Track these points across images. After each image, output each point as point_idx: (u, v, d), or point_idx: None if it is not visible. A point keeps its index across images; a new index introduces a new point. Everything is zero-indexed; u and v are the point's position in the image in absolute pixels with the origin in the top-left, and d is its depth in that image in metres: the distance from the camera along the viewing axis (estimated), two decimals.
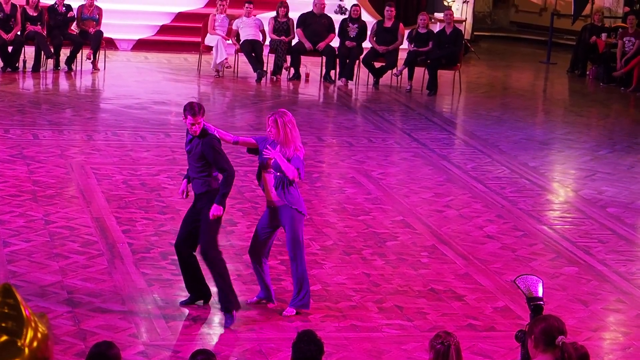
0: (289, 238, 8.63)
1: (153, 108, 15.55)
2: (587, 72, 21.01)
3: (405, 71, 18.50)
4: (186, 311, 8.68)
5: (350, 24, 18.70)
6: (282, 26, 18.60)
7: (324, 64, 18.66)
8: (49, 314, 7.82)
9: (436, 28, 20.02)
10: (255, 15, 18.77)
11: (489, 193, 12.54)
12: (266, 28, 18.65)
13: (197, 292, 8.80)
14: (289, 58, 18.65)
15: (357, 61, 18.53)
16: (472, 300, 9.29)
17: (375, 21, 19.49)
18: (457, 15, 21.59)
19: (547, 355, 5.21)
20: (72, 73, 17.82)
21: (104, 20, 18.27)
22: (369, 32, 18.71)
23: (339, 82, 18.53)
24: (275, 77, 18.50)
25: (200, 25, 19.01)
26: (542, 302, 5.77)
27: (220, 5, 18.60)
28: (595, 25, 21.11)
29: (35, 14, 17.68)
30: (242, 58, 18.43)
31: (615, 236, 11.35)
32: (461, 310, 9.08)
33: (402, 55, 18.78)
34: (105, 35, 18.25)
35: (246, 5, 18.54)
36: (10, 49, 17.52)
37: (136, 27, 20.38)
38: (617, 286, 9.93)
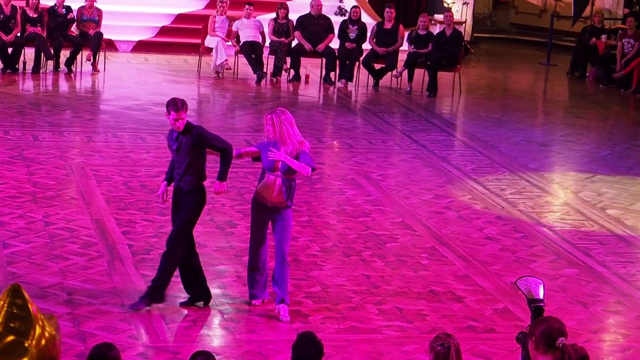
0: (286, 237, 8.63)
1: (153, 109, 15.54)
2: (587, 74, 21.02)
3: (405, 73, 18.51)
4: (186, 312, 8.68)
5: (350, 26, 18.70)
6: (281, 28, 18.61)
7: (323, 65, 18.66)
8: None
9: (436, 30, 20.03)
10: (255, 17, 18.78)
11: (488, 195, 12.55)
12: (266, 30, 18.66)
13: (197, 291, 8.77)
14: (288, 60, 18.66)
15: (357, 63, 18.53)
16: (472, 302, 9.29)
17: (375, 23, 19.50)
18: (457, 16, 21.60)
19: (548, 356, 5.20)
20: (72, 74, 17.82)
21: (103, 22, 18.28)
22: (368, 34, 18.71)
23: (338, 84, 18.54)
24: (275, 79, 18.50)
25: (200, 26, 19.02)
26: (542, 304, 5.76)
27: (220, 6, 18.61)
28: (595, 26, 21.12)
29: (35, 16, 17.69)
30: (242, 59, 18.44)
31: (615, 238, 11.35)
32: (461, 311, 9.08)
33: (402, 57, 18.79)
34: (105, 36, 18.25)
35: (246, 6, 18.56)
36: (10, 50, 17.53)
37: (136, 28, 20.39)
38: (616, 288, 9.93)
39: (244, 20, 18.53)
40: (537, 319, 5.56)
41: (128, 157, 12.99)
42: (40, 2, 17.93)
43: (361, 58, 18.56)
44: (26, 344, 3.52)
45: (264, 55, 18.51)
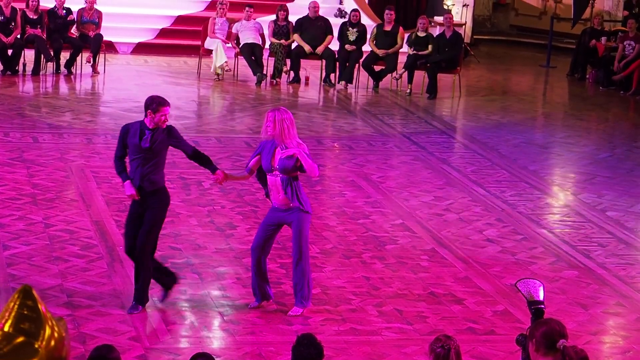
0: (297, 238, 8.59)
1: None
2: (587, 76, 21.03)
3: (405, 75, 18.51)
4: (186, 314, 8.68)
5: (350, 28, 18.71)
6: (281, 30, 18.61)
7: (323, 67, 18.67)
8: None
9: (436, 32, 20.03)
10: (254, 19, 18.78)
11: (488, 196, 12.54)
12: (266, 32, 18.66)
13: (163, 277, 8.73)
14: (288, 61, 18.66)
15: (357, 64, 18.54)
16: (471, 304, 9.29)
17: (375, 25, 19.50)
18: (456, 18, 21.61)
19: (548, 358, 5.20)
20: (72, 76, 17.83)
21: (103, 24, 18.28)
22: (368, 36, 18.72)
23: (338, 86, 18.54)
24: (275, 81, 18.51)
25: (200, 28, 19.02)
26: (543, 306, 5.76)
27: (220, 8, 18.62)
28: (595, 28, 21.12)
29: (35, 17, 17.69)
30: (242, 61, 18.44)
31: (615, 240, 11.35)
32: (461, 313, 9.07)
33: (402, 59, 18.79)
34: (105, 38, 18.26)
35: (246, 8, 18.56)
36: (10, 52, 17.53)
37: (136, 30, 20.39)
38: (616, 290, 9.93)
39: (244, 22, 18.53)
40: (537, 320, 5.56)
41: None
42: (40, 3, 17.93)
43: (361, 60, 18.57)
44: (36, 345, 3.55)
45: (263, 57, 18.52)
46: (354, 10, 19.28)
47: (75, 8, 18.08)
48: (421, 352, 8.11)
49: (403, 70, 18.52)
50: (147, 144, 8.48)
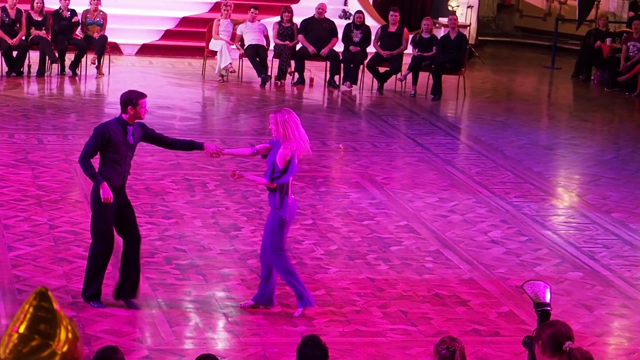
0: (265, 235, 8.68)
1: (157, 113, 15.53)
2: (592, 77, 21.01)
3: (410, 76, 18.51)
4: (190, 316, 8.68)
5: (354, 30, 18.71)
6: (286, 31, 18.62)
7: (328, 68, 18.66)
8: None
9: (440, 33, 20.03)
10: (259, 20, 18.79)
11: (493, 198, 12.53)
12: (270, 33, 18.67)
13: (127, 276, 8.73)
14: (293, 63, 18.66)
15: (361, 66, 18.54)
16: (476, 305, 9.28)
17: (379, 26, 19.50)
18: (461, 20, 21.59)
19: None
20: (77, 78, 17.84)
21: (108, 25, 18.29)
22: (373, 37, 18.71)
23: (343, 87, 18.54)
24: (279, 82, 18.52)
25: (205, 30, 19.02)
26: (549, 308, 5.75)
27: (224, 10, 18.62)
28: (600, 30, 21.11)
29: (40, 19, 17.71)
30: (247, 63, 18.44)
31: (620, 241, 11.33)
32: (465, 315, 9.07)
33: (407, 60, 18.79)
34: (110, 40, 18.26)
35: (251, 10, 18.57)
36: (15, 53, 17.55)
37: (140, 31, 20.40)
38: (621, 291, 9.91)
39: (249, 23, 18.54)
40: (543, 322, 5.56)
41: (132, 160, 12.95)
42: (45, 5, 17.94)
43: (365, 61, 18.57)
44: (52, 347, 3.57)
45: (268, 58, 18.53)
46: (358, 11, 19.29)
47: (79, 9, 18.09)
48: (426, 353, 8.10)
49: (407, 71, 18.51)
50: (132, 140, 8.57)
